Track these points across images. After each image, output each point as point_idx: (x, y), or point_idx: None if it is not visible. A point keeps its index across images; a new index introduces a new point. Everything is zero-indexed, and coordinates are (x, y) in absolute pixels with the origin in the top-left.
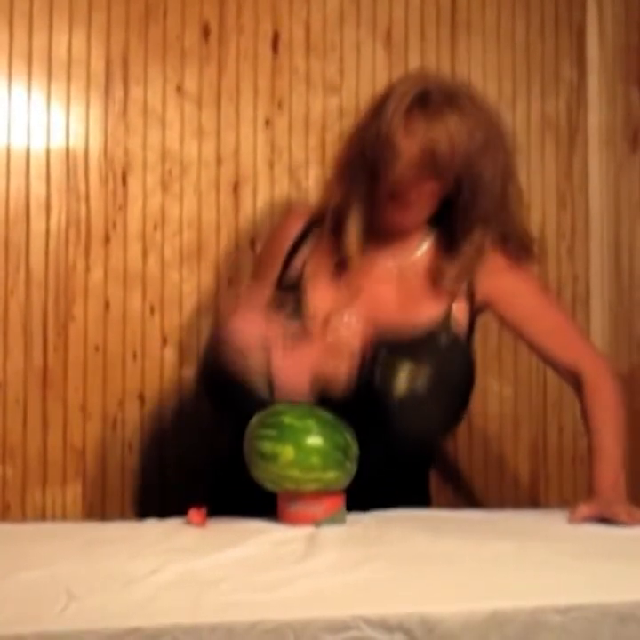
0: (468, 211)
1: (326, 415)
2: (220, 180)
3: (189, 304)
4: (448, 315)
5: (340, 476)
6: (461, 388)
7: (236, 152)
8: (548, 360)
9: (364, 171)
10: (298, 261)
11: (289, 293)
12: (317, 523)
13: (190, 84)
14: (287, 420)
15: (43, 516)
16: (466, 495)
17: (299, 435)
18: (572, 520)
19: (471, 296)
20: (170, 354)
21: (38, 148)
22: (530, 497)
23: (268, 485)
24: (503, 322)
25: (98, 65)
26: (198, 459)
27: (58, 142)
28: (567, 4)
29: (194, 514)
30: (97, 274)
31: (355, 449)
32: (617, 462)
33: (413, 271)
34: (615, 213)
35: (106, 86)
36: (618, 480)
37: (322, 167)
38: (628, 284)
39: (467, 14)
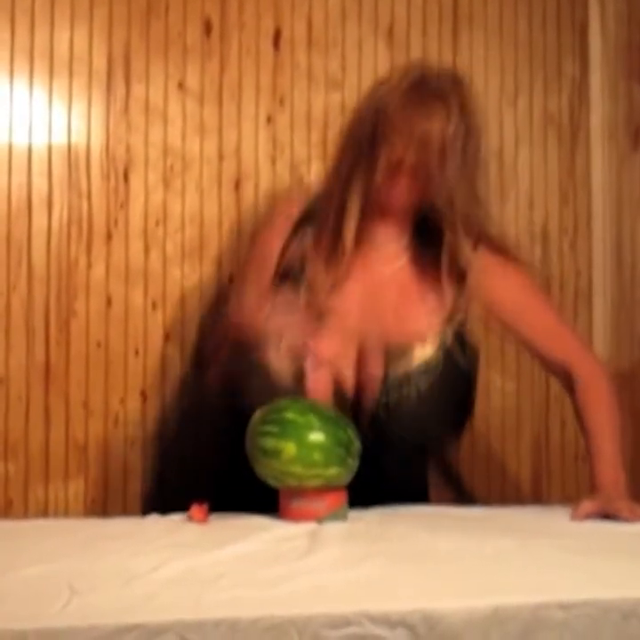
0: (451, 201)
1: (328, 411)
2: (221, 177)
3: (191, 300)
4: (446, 319)
5: (342, 473)
6: (466, 394)
7: (238, 148)
8: (538, 357)
9: (362, 151)
10: (294, 251)
11: (289, 281)
12: (319, 519)
13: (192, 81)
14: (289, 415)
15: (45, 512)
16: (468, 492)
17: (301, 431)
18: (574, 517)
19: (463, 292)
20: (172, 350)
21: (40, 144)
22: (532, 493)
23: (270, 481)
24: (494, 318)
25: (99, 61)
26: (200, 455)
27: (60, 139)
28: (570, 0)
29: (196, 510)
30: (99, 270)
31: (357, 445)
32: (617, 462)
33: (403, 274)
34: (617, 209)
35: (107, 83)
36: (619, 478)
37: (324, 163)
38: (631, 279)
39: (469, 10)
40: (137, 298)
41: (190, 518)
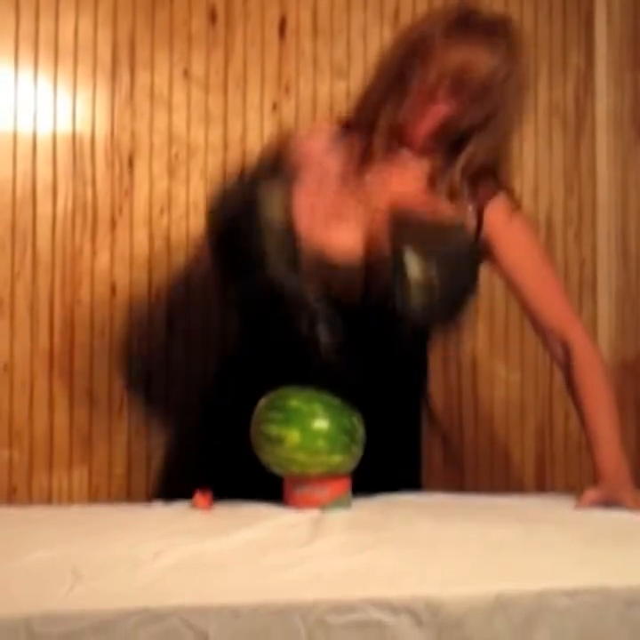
0: (473, 140)
1: (333, 399)
2: (226, 165)
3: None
4: (463, 219)
5: (346, 460)
6: (469, 280)
7: (243, 136)
8: (533, 316)
9: (397, 77)
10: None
11: None
12: (323, 506)
13: (197, 69)
14: (294, 403)
15: (49, 500)
16: (471, 480)
17: (305, 418)
18: (578, 505)
19: (479, 225)
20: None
21: (45, 132)
22: (536, 482)
23: (274, 469)
24: (497, 266)
25: (104, 49)
26: (204, 442)
27: (64, 127)
28: None
29: (200, 497)
30: (103, 258)
31: (361, 432)
32: (617, 447)
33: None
34: (622, 199)
35: (112, 71)
36: (620, 464)
37: None
38: (635, 268)
39: None
40: (141, 285)
41: (194, 505)
